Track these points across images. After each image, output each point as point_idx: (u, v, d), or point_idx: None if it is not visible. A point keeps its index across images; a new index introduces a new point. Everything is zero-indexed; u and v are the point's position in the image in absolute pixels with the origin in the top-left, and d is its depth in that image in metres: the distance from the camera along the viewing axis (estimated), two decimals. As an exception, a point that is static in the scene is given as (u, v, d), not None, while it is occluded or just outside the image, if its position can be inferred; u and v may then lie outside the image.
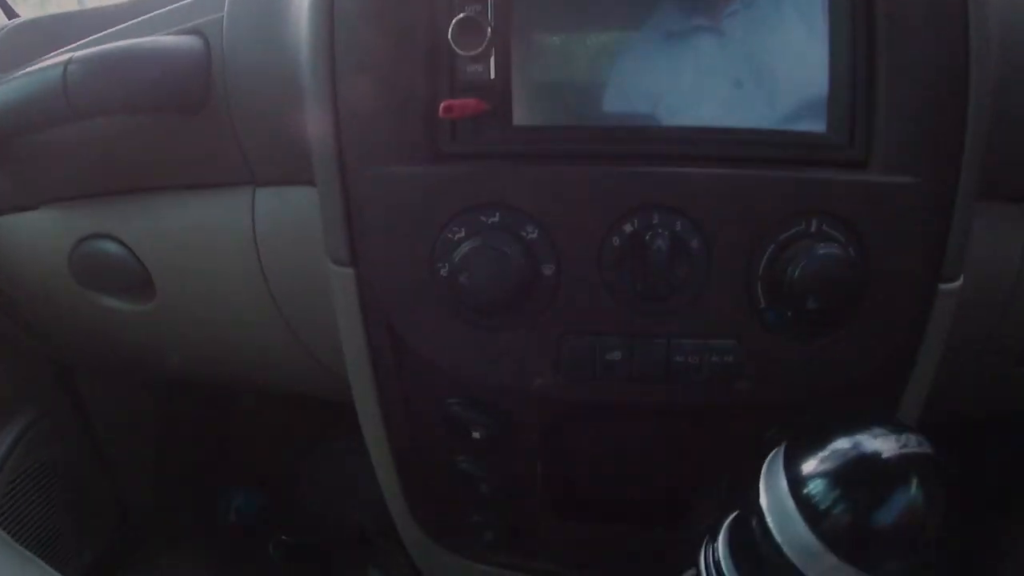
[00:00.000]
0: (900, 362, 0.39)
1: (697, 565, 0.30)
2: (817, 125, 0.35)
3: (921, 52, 0.34)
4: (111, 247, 0.50)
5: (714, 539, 0.29)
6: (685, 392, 0.36)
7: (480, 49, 0.34)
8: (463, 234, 0.35)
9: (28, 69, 0.44)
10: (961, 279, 0.38)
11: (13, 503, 0.64)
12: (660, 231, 0.34)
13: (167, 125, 0.45)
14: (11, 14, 0.66)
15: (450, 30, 0.33)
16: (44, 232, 0.53)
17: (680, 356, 0.35)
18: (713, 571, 0.28)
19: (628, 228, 0.34)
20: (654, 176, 0.34)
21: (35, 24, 0.61)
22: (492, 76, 0.35)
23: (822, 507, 0.23)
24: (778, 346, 0.36)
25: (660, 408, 0.38)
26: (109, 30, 0.48)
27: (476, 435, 0.40)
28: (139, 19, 0.48)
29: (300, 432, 0.80)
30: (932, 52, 0.34)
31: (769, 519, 0.24)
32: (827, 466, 0.23)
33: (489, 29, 0.34)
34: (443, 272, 0.35)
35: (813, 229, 0.35)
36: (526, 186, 0.35)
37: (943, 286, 0.37)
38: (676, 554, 0.37)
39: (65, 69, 0.42)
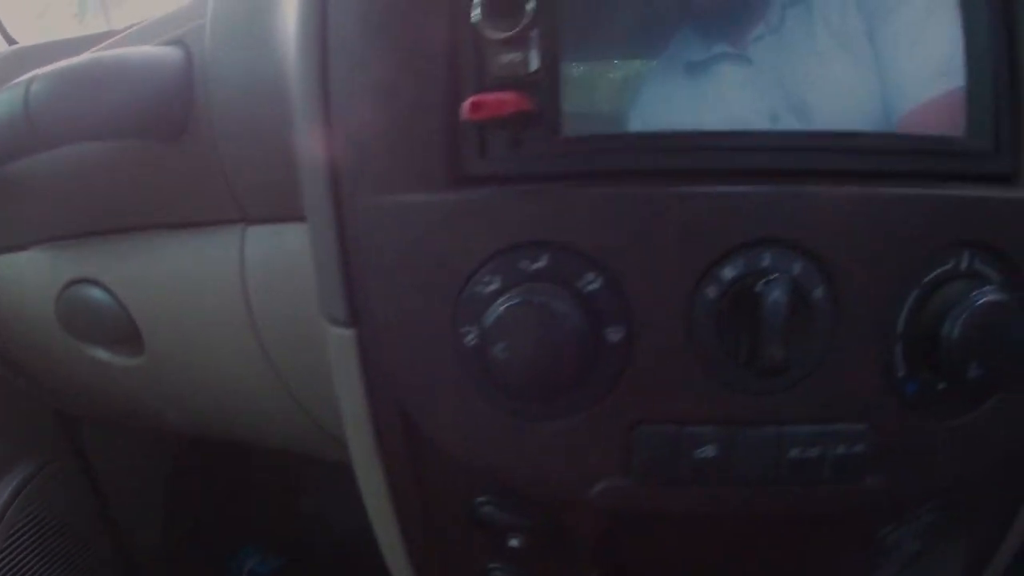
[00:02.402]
0: None
1: None
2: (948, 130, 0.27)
3: None
4: (96, 293, 0.44)
5: None
6: (800, 497, 0.27)
7: (517, 29, 0.24)
8: (498, 286, 0.25)
9: None
10: None
11: (12, 559, 0.59)
12: (776, 276, 0.24)
13: (144, 153, 0.38)
14: (10, 40, 0.62)
15: (475, 3, 0.24)
16: (31, 275, 0.48)
17: (796, 449, 0.25)
18: None
19: (729, 273, 0.24)
20: (766, 198, 0.24)
21: (36, 51, 0.58)
22: (533, 68, 0.26)
23: None
24: (919, 425, 0.27)
25: (765, 517, 0.28)
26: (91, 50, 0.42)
27: (514, 543, 0.31)
28: (120, 34, 0.42)
29: (320, 487, 0.72)
30: None
31: None
32: None
33: (529, 3, 0.24)
34: (470, 340, 0.25)
35: (964, 267, 0.25)
36: (584, 216, 0.25)
37: None
38: None
39: (27, 90, 0.35)
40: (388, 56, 0.27)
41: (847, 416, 0.26)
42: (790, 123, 0.26)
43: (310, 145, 0.28)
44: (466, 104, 0.23)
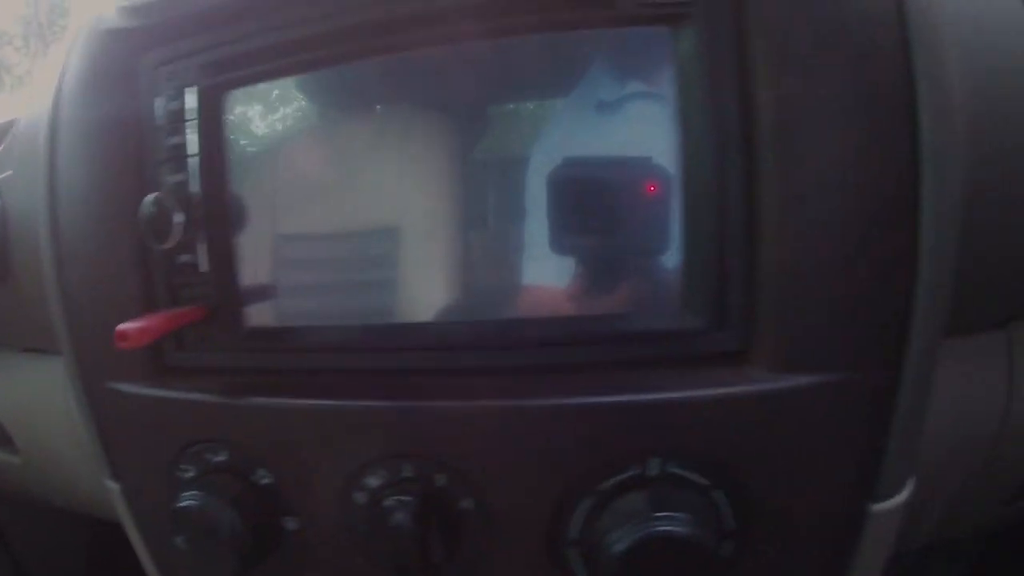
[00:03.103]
0: None
1: None
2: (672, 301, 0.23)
3: (836, 167, 0.21)
4: None
5: None
6: None
7: (171, 242, 0.25)
8: (193, 474, 0.27)
9: None
10: (908, 487, 0.25)
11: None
12: (406, 493, 0.24)
13: None
14: None
15: (139, 218, 0.25)
16: None
17: None
18: None
19: (373, 482, 0.25)
20: (401, 414, 0.24)
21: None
22: (203, 270, 0.26)
23: None
24: None
25: None
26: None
27: None
28: None
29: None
30: (855, 165, 0.21)
31: None
32: None
33: (177, 216, 0.25)
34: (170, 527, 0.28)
35: (654, 472, 0.23)
36: (251, 420, 0.26)
37: (877, 507, 0.25)
38: None
39: None
40: (99, 257, 0.28)
41: None
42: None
43: (57, 327, 0.31)
44: (115, 333, 0.24)
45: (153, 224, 0.25)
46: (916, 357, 0.23)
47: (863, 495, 0.24)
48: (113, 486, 0.32)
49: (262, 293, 0.27)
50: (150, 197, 0.25)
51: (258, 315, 0.27)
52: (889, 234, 0.22)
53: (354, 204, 0.26)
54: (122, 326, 0.24)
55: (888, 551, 0.27)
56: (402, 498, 0.23)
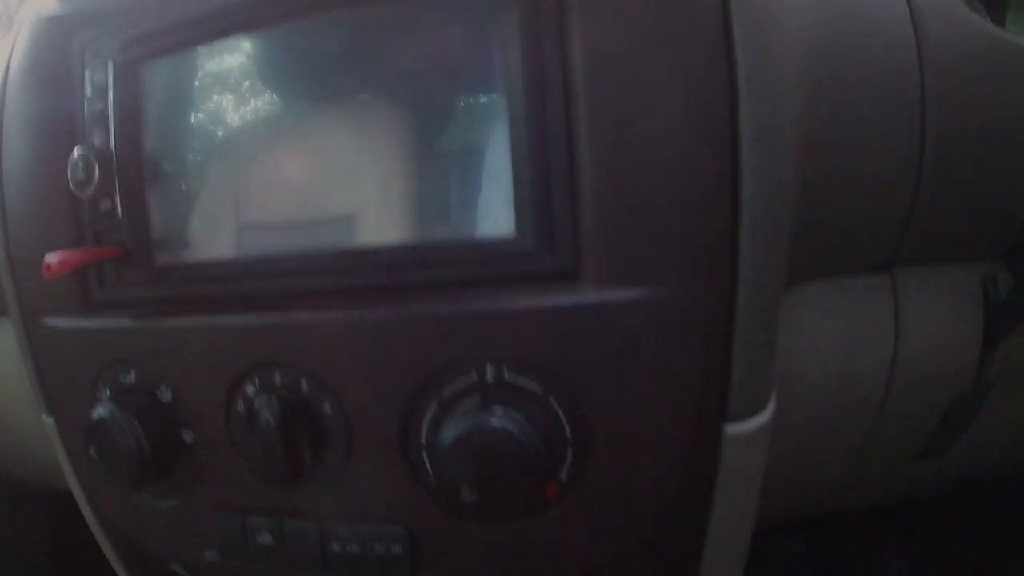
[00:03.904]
0: (683, 528, 0.28)
1: None
2: (506, 225, 0.26)
3: (646, 95, 0.23)
4: None
5: None
6: None
7: (91, 191, 0.30)
8: (108, 394, 0.31)
9: None
10: (769, 408, 0.27)
11: None
12: (272, 397, 0.27)
13: None
14: None
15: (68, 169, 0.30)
16: None
17: (336, 544, 0.28)
18: None
19: (250, 391, 0.28)
20: (267, 327, 0.28)
21: None
22: (120, 215, 0.31)
23: None
24: (468, 531, 0.27)
25: None
26: None
27: None
28: None
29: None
30: (659, 82, 0.23)
31: None
32: None
33: (97, 168, 0.29)
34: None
35: (490, 378, 0.25)
36: (150, 342, 0.30)
37: (732, 428, 0.26)
38: None
39: None
40: (33, 200, 0.33)
41: (384, 518, 0.28)
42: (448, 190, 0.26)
43: (2, 276, 0.35)
44: (44, 265, 0.29)
45: (77, 175, 0.30)
46: (748, 274, 0.24)
47: (713, 416, 0.26)
48: (48, 420, 0.36)
49: (170, 236, 0.31)
50: (75, 151, 0.30)
51: (165, 254, 0.31)
52: (706, 156, 0.23)
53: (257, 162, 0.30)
54: (47, 257, 0.29)
55: (756, 480, 0.28)
56: (270, 400, 0.27)
